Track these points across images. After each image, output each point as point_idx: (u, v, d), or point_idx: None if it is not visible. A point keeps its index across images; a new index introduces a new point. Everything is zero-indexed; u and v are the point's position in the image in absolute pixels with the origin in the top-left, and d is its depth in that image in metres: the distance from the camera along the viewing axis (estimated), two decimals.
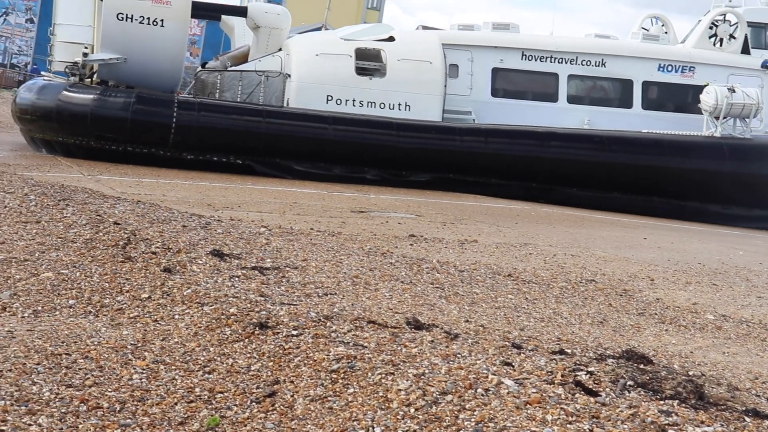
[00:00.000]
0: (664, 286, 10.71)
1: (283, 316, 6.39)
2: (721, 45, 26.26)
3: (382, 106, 22.73)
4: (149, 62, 21.15)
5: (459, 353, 5.64)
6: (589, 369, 5.30)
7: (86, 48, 21.70)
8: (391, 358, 5.50)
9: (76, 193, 11.91)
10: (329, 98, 22.50)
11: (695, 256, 14.18)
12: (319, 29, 28.91)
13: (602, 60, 24.92)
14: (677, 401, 4.84)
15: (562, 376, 5.15)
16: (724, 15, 26.52)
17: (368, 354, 5.59)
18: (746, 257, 14.89)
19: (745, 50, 26.28)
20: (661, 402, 4.81)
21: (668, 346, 7.37)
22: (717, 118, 23.65)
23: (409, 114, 22.71)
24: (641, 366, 5.58)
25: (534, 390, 4.90)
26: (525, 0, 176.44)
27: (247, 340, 6.06)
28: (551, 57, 24.68)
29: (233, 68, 23.74)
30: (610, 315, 8.49)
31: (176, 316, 6.67)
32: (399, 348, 5.74)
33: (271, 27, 24.16)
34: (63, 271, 7.77)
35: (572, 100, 24.91)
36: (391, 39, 23.80)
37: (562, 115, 24.31)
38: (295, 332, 6.07)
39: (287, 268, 8.45)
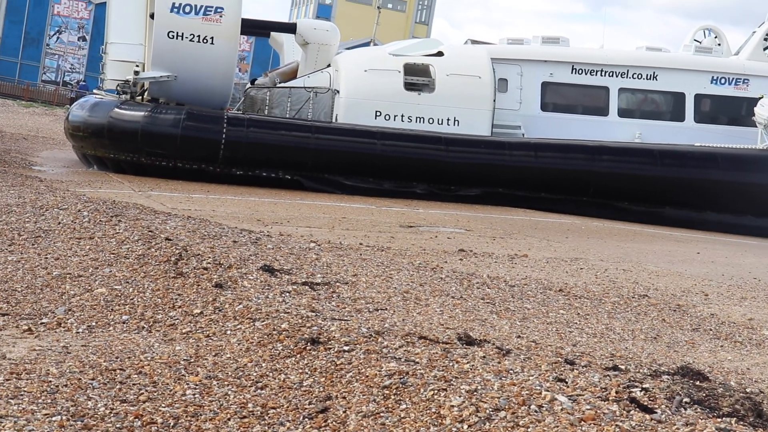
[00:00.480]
0: (719, 301, 10.57)
1: (334, 332, 6.39)
2: None
3: (431, 121, 22.73)
4: (199, 79, 21.37)
5: (511, 369, 5.60)
6: (644, 385, 5.23)
7: (137, 66, 21.97)
8: (443, 374, 5.47)
9: (127, 209, 12.03)
10: (378, 114, 22.54)
11: (750, 270, 13.98)
12: (367, 44, 29.03)
13: (654, 73, 24.71)
14: (735, 419, 4.75)
15: (617, 392, 5.08)
16: None
17: (420, 370, 5.56)
18: None
19: None
20: (719, 420, 4.73)
21: (724, 362, 7.26)
22: None
23: (457, 129, 22.68)
24: (697, 383, 5.49)
25: (588, 407, 4.84)
26: (575, 13, 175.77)
27: (298, 355, 6.07)
28: (602, 70, 24.52)
29: (282, 85, 23.89)
30: (663, 330, 8.39)
31: (228, 332, 6.69)
32: (451, 364, 5.70)
33: (320, 43, 24.30)
34: (116, 287, 7.84)
35: (623, 113, 24.71)
36: (439, 54, 23.80)
37: (613, 129, 24.12)
38: (346, 348, 6.06)
39: (338, 284, 8.45)
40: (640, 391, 5.13)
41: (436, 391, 5.18)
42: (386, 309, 7.61)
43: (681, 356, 7.24)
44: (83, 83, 61.29)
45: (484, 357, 5.90)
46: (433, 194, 21.74)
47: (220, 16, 21.29)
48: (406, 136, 22.04)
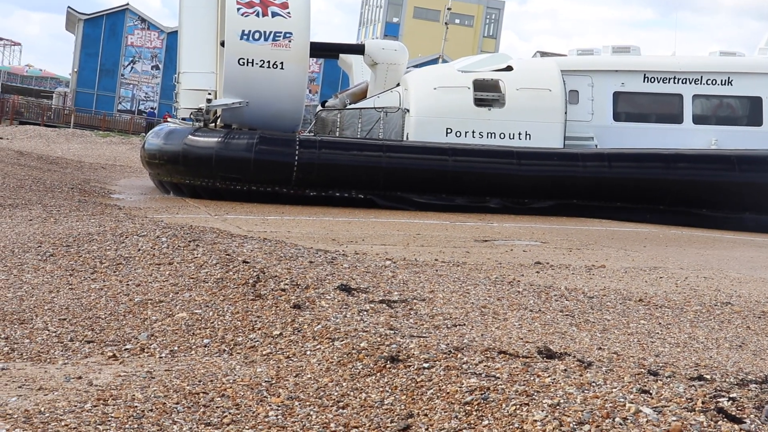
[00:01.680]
0: None
1: (413, 349, 6.39)
2: None
3: (502, 136, 22.66)
4: (271, 104, 21.61)
5: (594, 382, 5.54)
6: (731, 395, 5.13)
7: (210, 94, 22.30)
8: (524, 388, 5.43)
9: (204, 233, 12.19)
10: (449, 131, 22.55)
11: None
12: (436, 61, 29.05)
13: (728, 78, 24.31)
14: None
15: (703, 402, 4.99)
16: None
17: (501, 385, 5.53)
18: None
19: None
20: None
21: None
22: None
23: (529, 143, 22.58)
24: None
25: (674, 418, 4.77)
26: (645, 20, 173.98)
27: (378, 374, 6.08)
28: (674, 77, 24.20)
29: (352, 106, 24.03)
30: (749, 338, 8.22)
31: (308, 352, 6.73)
32: (532, 378, 5.66)
33: (388, 63, 24.41)
34: (196, 311, 7.95)
35: (698, 120, 24.34)
36: (509, 68, 23.73)
37: (688, 137, 23.78)
38: (426, 365, 6.05)
39: (414, 300, 8.45)
40: (728, 401, 5.03)
41: (518, 406, 5.15)
42: (464, 324, 7.58)
43: None
44: (151, 110, 62.45)
45: (565, 370, 5.85)
46: (507, 208, 21.66)
47: (289, 41, 21.51)
48: (477, 151, 22.02)
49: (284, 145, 21.24)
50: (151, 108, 64.67)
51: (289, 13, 21.61)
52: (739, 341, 8.02)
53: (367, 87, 25.10)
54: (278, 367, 6.47)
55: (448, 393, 5.52)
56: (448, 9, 29.51)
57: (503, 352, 6.41)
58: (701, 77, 24.22)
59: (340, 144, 21.96)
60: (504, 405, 5.20)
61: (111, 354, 6.85)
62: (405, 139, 22.73)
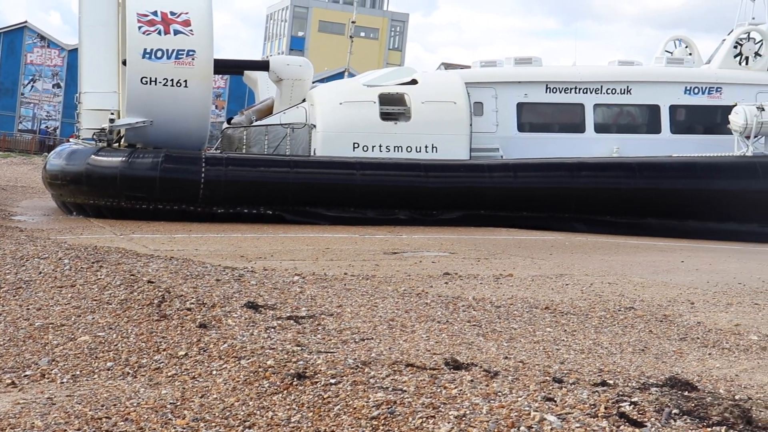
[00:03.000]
0: (705, 308, 10.57)
1: (320, 365, 6.35)
2: (746, 63, 26.13)
3: (409, 149, 22.80)
4: (175, 123, 21.38)
5: (500, 391, 5.57)
6: (633, 399, 5.21)
7: (112, 114, 21.96)
8: (431, 400, 5.44)
9: (109, 254, 11.98)
10: (356, 146, 22.61)
11: (735, 276, 14.00)
12: (342, 74, 29.08)
13: (627, 87, 24.86)
14: (725, 427, 4.74)
15: (606, 408, 5.06)
16: (748, 33, 26.41)
17: (408, 398, 5.53)
18: None
19: None
20: (708, 429, 4.71)
21: (712, 370, 7.25)
22: (748, 137, 23.47)
23: (436, 155, 22.76)
24: (686, 393, 5.48)
25: (578, 425, 4.82)
26: (548, 30, 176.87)
27: (285, 391, 6.02)
28: (576, 87, 24.66)
29: (258, 123, 23.92)
30: (651, 342, 8.37)
31: (214, 372, 6.64)
32: (439, 390, 5.67)
33: (293, 79, 24.36)
34: (99, 334, 7.79)
35: (600, 129, 24.84)
36: (413, 82, 23.90)
37: (591, 145, 24.24)
38: (333, 380, 6.02)
39: (323, 316, 8.42)
40: (629, 405, 5.11)
41: (424, 419, 5.15)
42: (372, 338, 7.57)
43: (669, 367, 7.22)
44: (45, 128, 61.30)
45: (471, 381, 5.88)
46: (416, 220, 21.78)
47: (192, 59, 21.32)
48: (385, 164, 22.12)
49: (190, 163, 21.04)
50: (45, 127, 63.43)
51: (191, 30, 21.41)
52: (641, 345, 8.17)
53: (273, 103, 25.00)
54: (183, 388, 6.37)
55: (355, 408, 5.50)
56: (353, 22, 29.58)
57: (410, 364, 6.41)
58: (601, 87, 24.72)
59: (247, 161, 21.85)
60: (411, 418, 5.20)
61: (9, 381, 6.66)
62: (312, 154, 22.70)
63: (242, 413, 5.78)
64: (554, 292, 11.29)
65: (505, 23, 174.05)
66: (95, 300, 8.90)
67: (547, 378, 6.00)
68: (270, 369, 6.40)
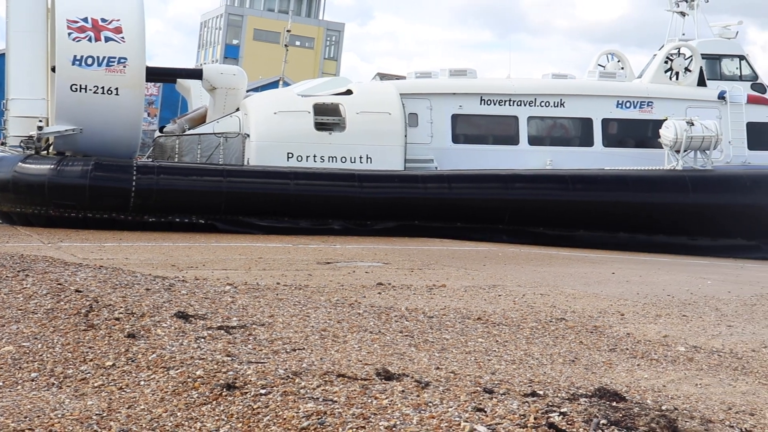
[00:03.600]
0: (635, 320, 10.69)
1: (250, 375, 6.28)
2: (677, 78, 26.60)
3: (344, 159, 22.79)
4: (106, 131, 21.12)
5: (430, 402, 5.56)
6: (562, 410, 5.23)
7: (41, 121, 21.59)
8: (361, 411, 5.40)
9: (36, 262, 11.75)
10: (290, 156, 22.54)
11: (664, 288, 14.19)
12: (277, 83, 29.00)
13: (561, 100, 25.14)
14: None
15: (535, 418, 5.07)
16: (679, 49, 26.89)
17: (338, 408, 5.49)
18: (714, 287, 14.93)
19: (701, 82, 26.65)
20: None
21: (641, 381, 7.32)
22: (678, 151, 23.88)
23: (370, 166, 22.78)
24: (614, 403, 5.52)
25: None
26: (483, 42, 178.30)
27: (214, 402, 5.94)
28: (510, 100, 24.88)
29: (191, 131, 23.73)
30: (581, 353, 8.43)
31: (142, 383, 6.53)
32: (369, 400, 5.64)
33: (227, 87, 24.20)
34: (24, 344, 7.61)
35: (533, 141, 25.09)
36: (348, 92, 23.90)
37: (524, 158, 24.48)
38: (263, 391, 5.96)
39: (254, 326, 8.34)
40: (558, 415, 5.12)
41: (354, 430, 5.12)
42: (304, 348, 7.52)
43: (599, 378, 7.28)
44: None
45: (402, 391, 5.86)
46: (350, 230, 21.75)
47: (124, 67, 21.09)
48: (319, 174, 22.08)
49: (121, 171, 20.79)
50: None
51: (123, 38, 21.17)
52: (572, 356, 8.22)
53: (207, 112, 24.81)
54: (110, 399, 6.25)
55: (285, 419, 5.44)
56: (288, 31, 29.53)
57: (342, 375, 6.37)
58: (535, 99, 24.98)
59: (180, 169, 21.65)
60: (341, 429, 5.16)
61: None
62: (246, 164, 22.57)
63: (170, 424, 5.69)
64: (487, 303, 11.34)
65: (441, 35, 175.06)
66: (20, 309, 8.71)
67: (478, 388, 6.00)
68: (199, 379, 6.31)
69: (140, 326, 7.90)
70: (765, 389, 7.44)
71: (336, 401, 5.66)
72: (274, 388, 6.00)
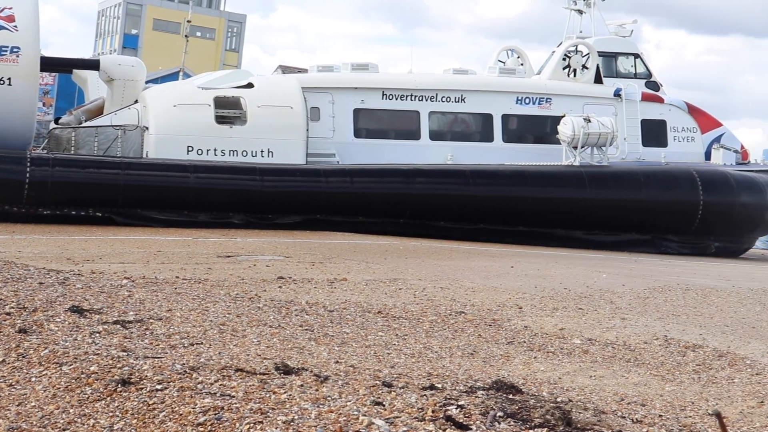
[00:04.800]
0: (532, 313, 10.84)
1: (146, 371, 6.18)
2: (575, 75, 27.06)
3: (245, 153, 22.63)
4: None
5: (329, 396, 5.54)
6: (460, 403, 5.26)
7: None
8: (259, 406, 5.36)
9: None
10: (190, 149, 22.27)
11: (561, 281, 14.43)
12: (177, 74, 28.62)
13: (461, 96, 25.36)
14: (546, 429, 4.84)
15: (433, 411, 5.09)
16: (576, 46, 27.37)
17: (236, 404, 5.43)
18: (610, 280, 15.24)
19: (598, 80, 27.19)
20: (531, 431, 4.80)
21: (537, 373, 7.42)
22: (575, 147, 24.31)
23: (272, 159, 22.67)
24: (510, 396, 5.58)
25: (405, 428, 4.83)
26: (386, 36, 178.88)
27: (109, 398, 5.83)
28: (411, 95, 25.00)
29: (88, 123, 23.26)
30: (480, 346, 8.52)
31: (33, 379, 6.37)
32: (268, 395, 5.60)
33: (125, 79, 23.81)
34: None
35: (434, 136, 25.27)
36: (249, 85, 23.73)
37: (426, 152, 24.62)
38: (159, 386, 5.86)
39: (151, 320, 8.21)
40: (456, 408, 5.16)
41: (252, 425, 5.07)
42: (202, 343, 7.43)
43: (496, 370, 7.36)
44: None
45: (301, 385, 5.83)
46: (251, 223, 21.60)
47: (17, 56, 20.57)
48: (220, 168, 21.87)
49: (14, 162, 20.27)
50: None
51: (16, 26, 20.64)
52: (470, 349, 8.30)
53: (104, 103, 24.35)
54: None
55: (181, 415, 5.37)
56: (188, 22, 29.15)
57: (240, 369, 6.31)
58: (436, 94, 25.15)
59: (76, 162, 21.21)
60: (238, 424, 5.11)
61: None
62: (145, 157, 22.22)
63: (62, 421, 5.56)
64: (387, 297, 11.37)
65: (344, 28, 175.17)
66: None
67: (377, 382, 6.01)
68: (93, 375, 6.18)
69: (32, 321, 7.70)
70: (656, 380, 7.63)
71: (234, 396, 5.60)
72: (171, 383, 5.91)
